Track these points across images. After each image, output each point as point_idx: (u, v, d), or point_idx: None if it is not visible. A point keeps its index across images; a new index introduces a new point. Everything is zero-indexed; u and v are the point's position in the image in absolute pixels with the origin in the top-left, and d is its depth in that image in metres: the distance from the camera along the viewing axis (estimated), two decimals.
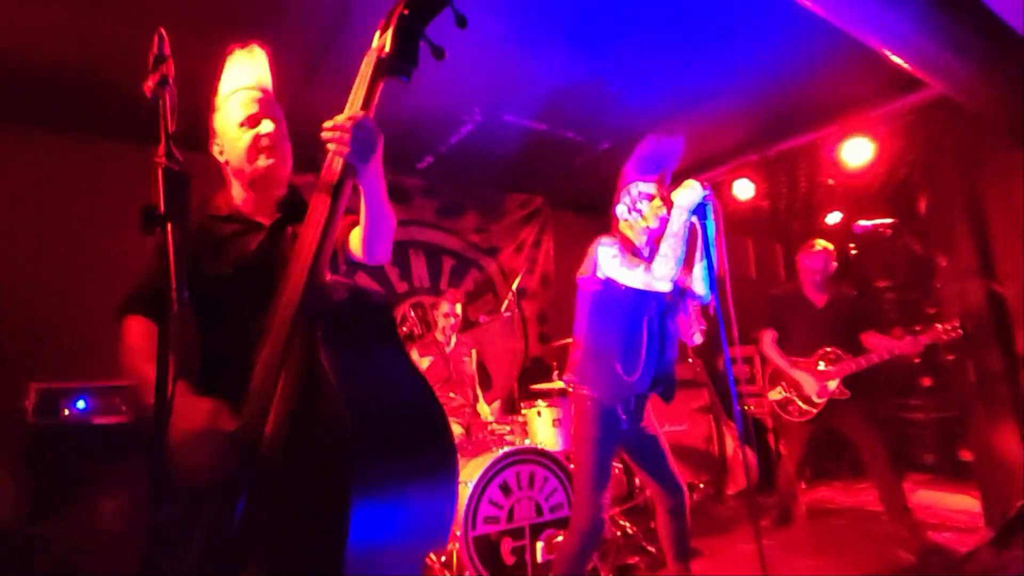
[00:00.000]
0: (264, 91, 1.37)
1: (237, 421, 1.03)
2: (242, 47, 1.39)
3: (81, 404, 2.75)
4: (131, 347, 1.19)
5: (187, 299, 0.70)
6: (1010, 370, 3.35)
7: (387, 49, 1.06)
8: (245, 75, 1.37)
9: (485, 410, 3.60)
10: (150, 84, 0.98)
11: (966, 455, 4.61)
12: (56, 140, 3.40)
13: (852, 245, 5.51)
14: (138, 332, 1.20)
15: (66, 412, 2.71)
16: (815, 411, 3.19)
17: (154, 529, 0.71)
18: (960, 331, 2.90)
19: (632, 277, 2.02)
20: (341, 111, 1.15)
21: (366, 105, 1.10)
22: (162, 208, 0.74)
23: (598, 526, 2.03)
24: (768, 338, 3.40)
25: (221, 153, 1.36)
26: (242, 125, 1.31)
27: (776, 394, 3.37)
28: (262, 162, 1.31)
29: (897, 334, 3.12)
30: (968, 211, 3.55)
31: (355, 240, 1.33)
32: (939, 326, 2.96)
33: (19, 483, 2.57)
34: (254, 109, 1.33)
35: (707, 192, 1.94)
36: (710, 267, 1.97)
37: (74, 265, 3.29)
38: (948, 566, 2.46)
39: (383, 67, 1.07)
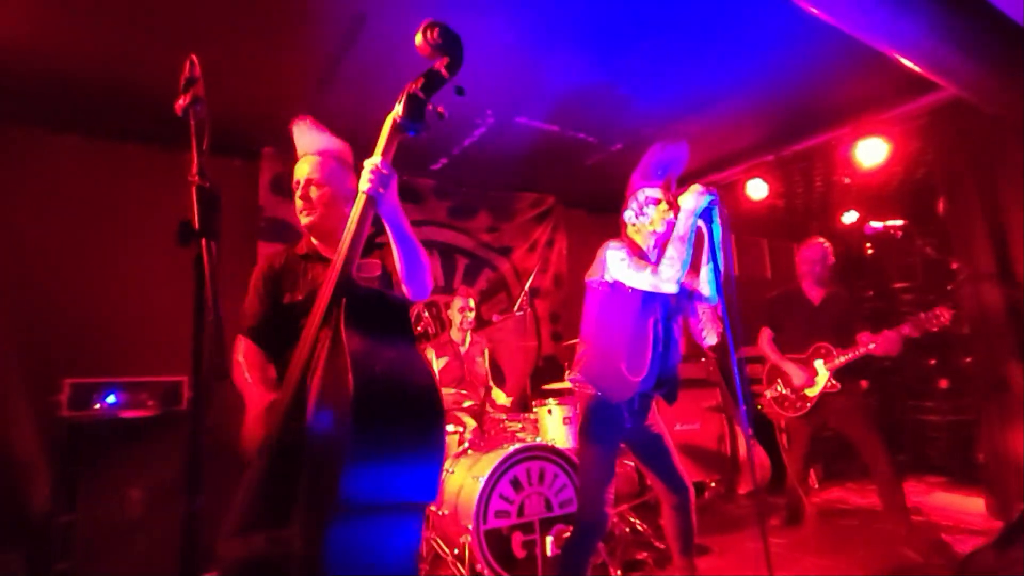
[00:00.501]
0: (308, 156, 1.69)
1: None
2: (301, 120, 1.70)
3: (111, 399, 2.88)
4: (236, 361, 1.60)
5: (218, 312, 0.78)
6: None
7: (401, 115, 1.40)
8: (301, 145, 1.70)
9: (501, 395, 3.67)
10: (181, 103, 1.06)
11: (980, 457, 4.59)
12: (90, 144, 3.55)
13: (869, 245, 5.48)
14: (243, 350, 1.62)
15: (97, 406, 2.84)
16: (808, 406, 3.28)
17: (192, 516, 0.78)
18: (945, 318, 2.92)
19: (639, 279, 2.07)
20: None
21: (385, 154, 1.42)
22: (196, 225, 0.82)
23: (602, 521, 2.09)
24: (765, 336, 3.51)
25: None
26: (293, 189, 1.69)
27: (772, 391, 3.48)
28: (304, 219, 1.67)
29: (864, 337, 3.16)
30: (985, 213, 3.53)
31: (401, 281, 1.58)
32: (923, 315, 2.99)
33: (54, 473, 2.70)
34: (300, 177, 1.68)
35: (713, 196, 1.97)
36: (716, 270, 2.01)
37: (106, 266, 3.43)
38: (952, 566, 2.47)
39: (398, 128, 1.41)
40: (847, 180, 4.69)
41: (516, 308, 3.81)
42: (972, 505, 3.78)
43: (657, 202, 2.21)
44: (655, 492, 2.31)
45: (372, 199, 1.39)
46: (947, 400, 4.92)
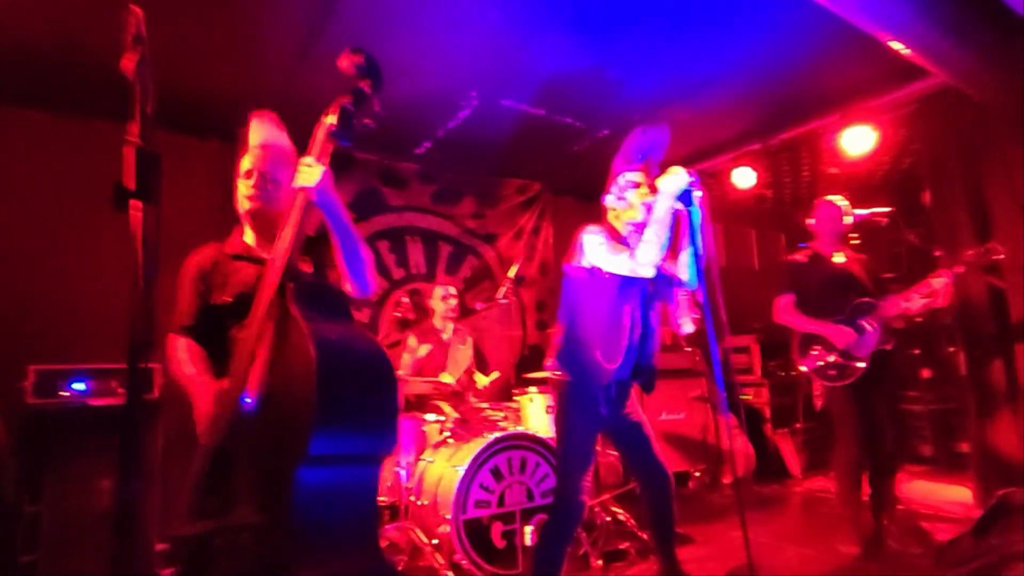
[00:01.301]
0: (265, 147, 1.66)
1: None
2: (257, 114, 1.69)
3: (80, 386, 2.78)
4: (175, 358, 1.58)
5: (148, 281, 0.71)
6: (1008, 362, 3.34)
7: (335, 125, 1.48)
8: (252, 136, 1.67)
9: (482, 378, 3.60)
10: (128, 64, 0.98)
11: (963, 447, 4.63)
12: (56, 121, 3.40)
13: (855, 235, 5.47)
14: (183, 347, 1.58)
15: (64, 393, 2.74)
16: (862, 368, 2.77)
17: (128, 502, 0.71)
18: (997, 252, 2.67)
19: (617, 263, 2.03)
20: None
21: (321, 155, 1.48)
22: (131, 186, 0.74)
23: (578, 510, 2.06)
24: (784, 303, 3.01)
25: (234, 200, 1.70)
26: (242, 176, 1.66)
27: (811, 362, 2.92)
28: (246, 205, 1.65)
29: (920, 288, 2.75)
30: (970, 202, 3.52)
31: (344, 278, 1.62)
32: (975, 251, 2.73)
33: (19, 463, 2.61)
34: (249, 164, 1.65)
35: (692, 179, 1.92)
36: (696, 254, 1.96)
37: (73, 249, 3.31)
38: (931, 554, 2.47)
39: (331, 136, 1.49)
40: (834, 170, 4.68)
41: (500, 296, 3.75)
42: (954, 494, 3.80)
43: (636, 185, 2.16)
44: (635, 481, 2.28)
45: (309, 195, 1.45)
46: (930, 390, 4.95)
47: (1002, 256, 2.71)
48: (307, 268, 1.61)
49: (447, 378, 3.38)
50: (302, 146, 1.73)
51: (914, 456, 4.87)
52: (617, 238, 2.16)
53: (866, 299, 2.87)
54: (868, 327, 2.81)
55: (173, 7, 2.61)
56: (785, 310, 3.01)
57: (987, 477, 3.30)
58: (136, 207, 0.73)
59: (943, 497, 3.77)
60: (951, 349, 4.81)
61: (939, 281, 2.70)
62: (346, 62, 1.48)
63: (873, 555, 2.72)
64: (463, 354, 3.70)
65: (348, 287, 1.59)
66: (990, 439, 3.32)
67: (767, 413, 4.92)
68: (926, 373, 5.06)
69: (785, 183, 5.22)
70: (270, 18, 2.80)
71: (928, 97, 3.62)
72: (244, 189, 1.64)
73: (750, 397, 5.03)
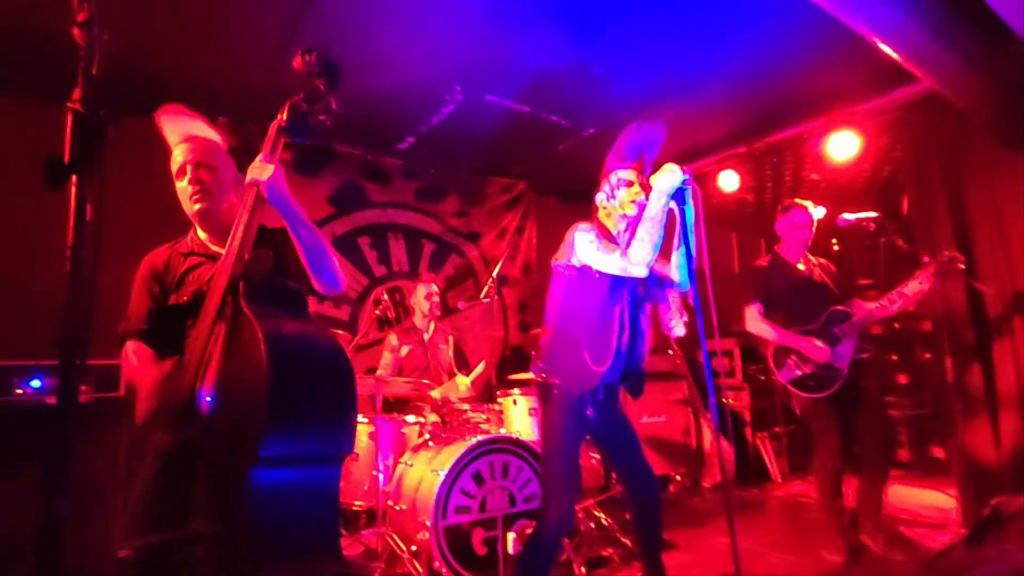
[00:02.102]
0: (190, 139, 1.60)
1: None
2: (171, 108, 1.62)
3: (36, 383, 2.64)
4: (126, 364, 1.55)
5: (78, 265, 0.62)
6: (986, 367, 3.36)
7: (284, 121, 1.48)
8: (174, 131, 1.62)
9: (463, 380, 3.50)
10: (78, 24, 0.88)
11: (938, 452, 4.67)
12: (21, 106, 3.23)
13: (834, 241, 5.52)
14: (131, 351, 1.54)
15: (19, 391, 2.60)
16: (841, 379, 2.75)
17: (53, 522, 0.62)
18: (959, 262, 2.70)
19: (608, 262, 1.97)
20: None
21: (272, 152, 1.47)
22: (67, 158, 0.65)
23: (566, 517, 1.98)
24: (753, 313, 2.97)
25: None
26: (176, 176, 1.59)
27: (789, 373, 2.87)
28: (194, 207, 1.57)
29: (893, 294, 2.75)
30: (951, 209, 3.54)
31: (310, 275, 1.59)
32: (941, 258, 2.73)
33: None
34: (182, 161, 1.58)
35: (686, 176, 1.87)
36: (688, 254, 1.91)
37: (32, 241, 3.14)
38: (913, 561, 2.45)
39: (280, 131, 1.49)
40: (815, 176, 4.70)
41: (483, 296, 3.67)
42: (930, 499, 3.82)
43: (629, 184, 2.11)
44: (621, 487, 2.21)
45: (260, 191, 1.43)
46: (907, 395, 5.00)
47: (962, 266, 2.75)
48: (267, 263, 1.54)
49: (435, 393, 3.31)
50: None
51: (891, 461, 4.91)
52: (608, 236, 2.10)
53: (840, 307, 2.86)
54: (843, 336, 2.80)
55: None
56: (755, 320, 2.97)
57: (969, 483, 3.31)
58: (73, 182, 0.63)
59: (920, 502, 3.78)
60: (927, 355, 4.87)
61: (913, 287, 2.70)
62: (298, 61, 1.49)
63: (857, 563, 2.70)
64: (444, 354, 3.61)
65: (315, 284, 1.56)
66: (969, 444, 3.34)
67: (747, 416, 4.92)
68: (903, 379, 5.11)
69: (767, 188, 5.24)
70: (249, 8, 2.70)
71: (911, 104, 3.65)
72: (185, 190, 1.58)
73: (731, 400, 5.03)
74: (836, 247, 5.55)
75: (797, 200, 3.08)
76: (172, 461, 1.27)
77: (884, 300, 2.76)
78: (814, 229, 3.04)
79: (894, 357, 5.23)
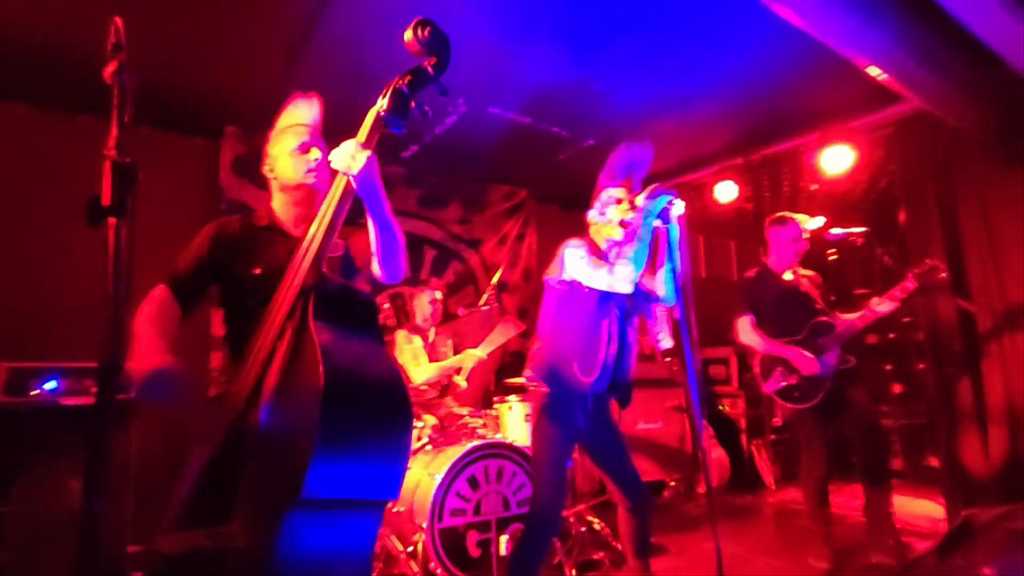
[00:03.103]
0: (315, 127, 1.67)
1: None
2: (303, 95, 1.68)
3: (51, 384, 2.73)
4: (142, 309, 1.45)
5: (119, 298, 0.70)
6: (974, 380, 3.42)
7: (385, 109, 1.37)
8: (300, 114, 1.67)
9: (461, 381, 3.48)
10: (109, 70, 0.97)
11: (933, 461, 4.73)
12: (34, 115, 3.34)
13: (832, 251, 5.59)
14: (156, 299, 1.49)
15: (35, 392, 2.69)
16: (822, 391, 2.82)
17: (93, 520, 0.71)
18: (940, 271, 2.75)
19: (595, 278, 2.06)
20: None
21: (367, 143, 1.40)
22: (106, 201, 0.74)
23: (554, 522, 2.08)
24: (745, 324, 3.04)
25: (271, 171, 1.66)
26: (296, 151, 1.61)
27: (774, 383, 2.96)
28: (309, 179, 1.60)
29: (874, 301, 2.84)
30: (943, 224, 3.61)
31: (376, 263, 1.58)
32: (920, 267, 2.79)
33: None
34: (306, 139, 1.63)
35: (671, 196, 1.96)
36: (673, 271, 1.99)
37: (49, 245, 3.25)
38: (894, 571, 2.52)
39: (381, 122, 1.39)
40: (814, 187, 4.77)
41: (483, 303, 3.76)
42: (922, 508, 3.89)
43: (618, 201, 2.21)
44: (610, 493, 2.30)
45: (352, 180, 1.37)
46: (901, 405, 5.06)
47: (944, 275, 2.80)
48: (338, 251, 1.58)
49: (461, 383, 3.37)
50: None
51: (887, 470, 4.96)
52: (598, 253, 2.19)
53: (823, 319, 2.93)
54: (827, 347, 2.86)
55: (163, 5, 2.58)
56: (746, 331, 3.04)
57: (956, 493, 3.38)
58: (111, 224, 0.73)
59: (912, 511, 3.85)
60: (921, 365, 4.93)
61: (880, 304, 2.80)
62: (409, 35, 1.34)
63: (840, 570, 2.77)
64: (444, 358, 3.69)
65: (379, 272, 1.56)
66: (958, 455, 3.40)
67: (743, 424, 4.99)
68: (897, 388, 5.17)
69: (765, 198, 5.31)
70: (259, 21, 2.79)
71: (905, 120, 3.71)
72: (301, 164, 1.60)
73: (727, 408, 5.10)
74: (833, 257, 5.63)
75: (789, 214, 3.15)
76: (219, 462, 1.26)
77: (863, 312, 2.85)
78: (808, 241, 3.10)
79: (888, 367, 5.29)
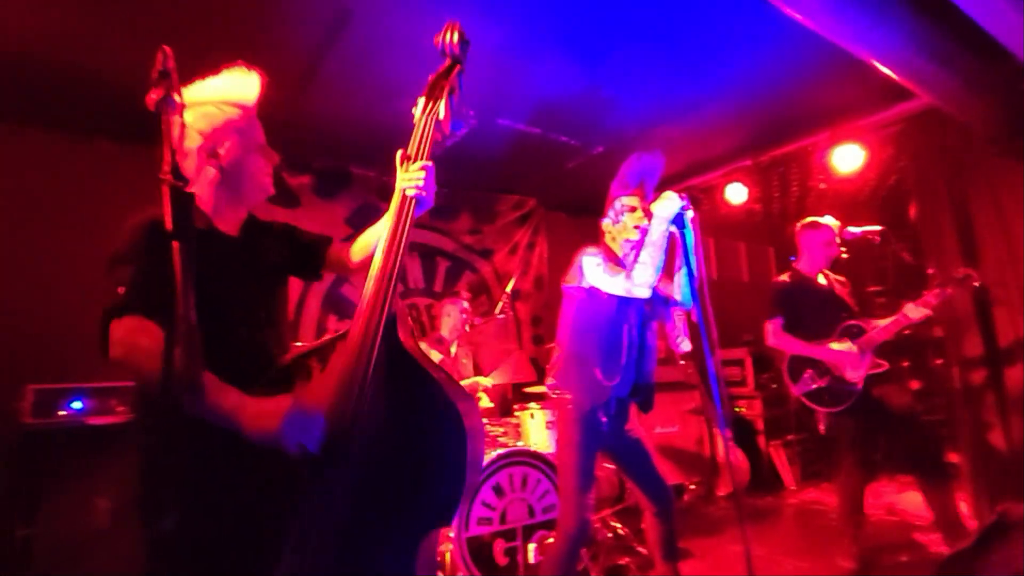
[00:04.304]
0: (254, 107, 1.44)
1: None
2: (246, 66, 1.43)
3: (77, 404, 2.76)
4: (140, 346, 1.18)
5: (189, 320, 0.72)
6: (994, 374, 3.41)
7: (442, 116, 1.34)
8: (249, 91, 1.42)
9: (485, 381, 3.54)
10: (153, 98, 1.00)
11: (953, 458, 4.69)
12: (56, 139, 3.41)
13: (844, 249, 5.58)
14: (143, 330, 1.18)
15: (62, 413, 2.72)
16: (854, 394, 2.79)
17: (159, 538, 0.73)
18: (975, 279, 2.73)
19: (613, 284, 2.09)
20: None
21: (429, 156, 1.34)
22: (169, 226, 0.77)
23: (584, 528, 2.08)
24: (774, 328, 3.02)
25: (212, 152, 1.36)
26: (261, 149, 1.42)
27: (804, 386, 2.93)
28: (271, 190, 1.45)
29: (908, 307, 2.79)
30: (956, 219, 3.61)
31: (357, 255, 1.53)
32: (956, 275, 2.79)
33: (14, 482, 2.58)
34: (261, 138, 1.43)
35: (684, 203, 1.99)
36: (690, 275, 2.01)
37: (73, 266, 3.29)
38: (926, 565, 2.50)
39: (439, 129, 1.35)
40: (823, 185, 4.77)
41: (497, 311, 3.78)
42: None
43: (632, 210, 2.25)
44: (636, 497, 2.30)
45: (420, 204, 1.33)
46: (920, 401, 5.02)
47: (977, 284, 2.78)
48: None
49: (482, 380, 3.39)
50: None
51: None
52: (614, 260, 2.23)
53: (855, 322, 2.91)
54: (860, 351, 2.83)
55: (175, 25, 2.64)
56: (776, 334, 3.02)
57: (979, 489, 3.36)
58: (175, 248, 0.75)
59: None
60: (939, 361, 4.90)
61: (914, 310, 2.77)
62: (451, 37, 1.36)
63: (868, 570, 2.76)
64: (466, 369, 3.71)
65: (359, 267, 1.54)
66: (981, 450, 3.38)
67: (760, 425, 4.97)
68: (915, 385, 5.14)
69: (775, 198, 5.32)
70: (273, 40, 2.84)
71: (915, 117, 3.72)
72: (266, 168, 1.45)
73: (743, 409, 5.08)
74: (845, 255, 5.62)
75: (820, 219, 3.13)
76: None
77: (896, 316, 2.82)
78: (838, 244, 3.09)
79: (905, 363, 5.26)
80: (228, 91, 1.41)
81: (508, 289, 3.70)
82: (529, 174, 4.71)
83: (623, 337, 2.14)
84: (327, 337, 1.31)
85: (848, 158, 3.94)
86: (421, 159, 1.34)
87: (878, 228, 3.01)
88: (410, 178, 1.31)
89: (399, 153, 1.36)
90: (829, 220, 3.11)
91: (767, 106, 3.77)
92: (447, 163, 4.67)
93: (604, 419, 2.15)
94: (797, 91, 3.58)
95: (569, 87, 3.41)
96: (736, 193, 4.61)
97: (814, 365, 2.91)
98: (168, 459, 0.78)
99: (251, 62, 3.02)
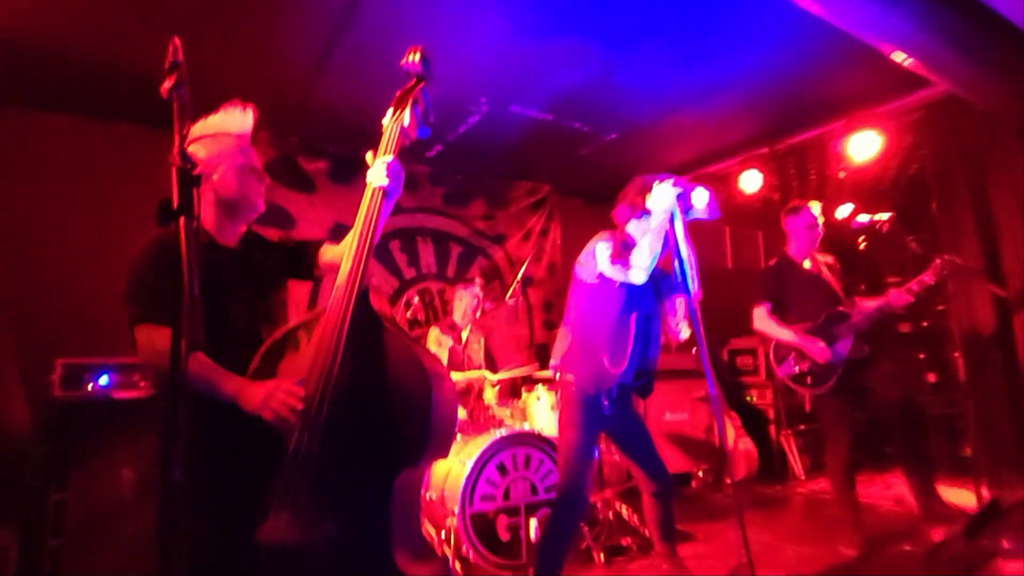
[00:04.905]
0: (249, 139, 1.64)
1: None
2: (241, 105, 1.63)
3: (104, 379, 2.89)
4: (157, 350, 1.36)
5: (194, 291, 0.79)
6: (1010, 368, 3.37)
7: (407, 123, 1.51)
8: (242, 122, 1.62)
9: (491, 378, 3.57)
10: (166, 86, 1.07)
11: (966, 451, 4.64)
12: (80, 123, 3.55)
13: (862, 239, 5.50)
14: (159, 334, 1.37)
15: (89, 387, 2.86)
16: (835, 377, 2.87)
17: (172, 487, 0.80)
18: (949, 266, 2.77)
19: (614, 271, 2.13)
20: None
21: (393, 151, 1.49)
22: (175, 204, 0.84)
23: (580, 507, 2.15)
24: (761, 313, 3.10)
25: (206, 176, 1.55)
26: (251, 171, 1.60)
27: (787, 369, 3.03)
28: (262, 206, 1.64)
29: (891, 293, 2.87)
30: (975, 209, 3.55)
31: (328, 256, 1.67)
32: (938, 261, 2.82)
33: (47, 450, 2.73)
34: (255, 161, 1.62)
35: (680, 191, 2.00)
36: (681, 264, 2.02)
37: (98, 245, 3.43)
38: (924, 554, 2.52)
39: (405, 135, 1.51)
40: (842, 174, 4.70)
41: (508, 297, 3.82)
42: (959, 497, 3.82)
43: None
44: (635, 480, 2.36)
45: (388, 194, 1.47)
46: (935, 394, 4.96)
47: (962, 264, 2.86)
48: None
49: (490, 376, 3.45)
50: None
51: (922, 455, 4.86)
52: (626, 245, 2.24)
53: (839, 308, 2.97)
54: (840, 336, 2.91)
55: (190, 14, 2.71)
56: (761, 319, 3.10)
57: (986, 479, 3.34)
58: (181, 222, 0.82)
59: (948, 500, 3.78)
60: (956, 354, 4.83)
61: (897, 296, 2.84)
62: (409, 57, 1.56)
63: (871, 558, 2.77)
64: (477, 355, 3.78)
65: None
66: (991, 443, 3.36)
67: (771, 414, 4.96)
68: (931, 377, 5.07)
69: (792, 186, 5.25)
70: (289, 26, 2.90)
71: (933, 104, 3.65)
72: (256, 186, 1.63)
73: (754, 399, 5.08)
74: (864, 244, 5.53)
75: (802, 201, 3.18)
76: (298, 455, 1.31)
77: (879, 303, 2.88)
78: (821, 228, 3.12)
79: (922, 356, 5.19)
80: (224, 124, 1.61)
81: (520, 275, 3.74)
82: (542, 161, 4.73)
83: (632, 326, 2.19)
84: (313, 312, 1.48)
85: (866, 146, 3.88)
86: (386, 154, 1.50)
87: (887, 216, 2.99)
88: (374, 172, 1.47)
89: (369, 154, 1.53)
90: (811, 203, 3.16)
91: (782, 93, 3.74)
92: (460, 150, 4.74)
93: (607, 403, 2.20)
94: (813, 78, 3.54)
95: (582, 73, 3.41)
96: (751, 181, 4.57)
97: (797, 349, 2.99)
98: (177, 431, 0.86)
99: (266, 47, 3.08)
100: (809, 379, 2.96)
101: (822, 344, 2.89)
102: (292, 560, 1.29)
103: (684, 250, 1.97)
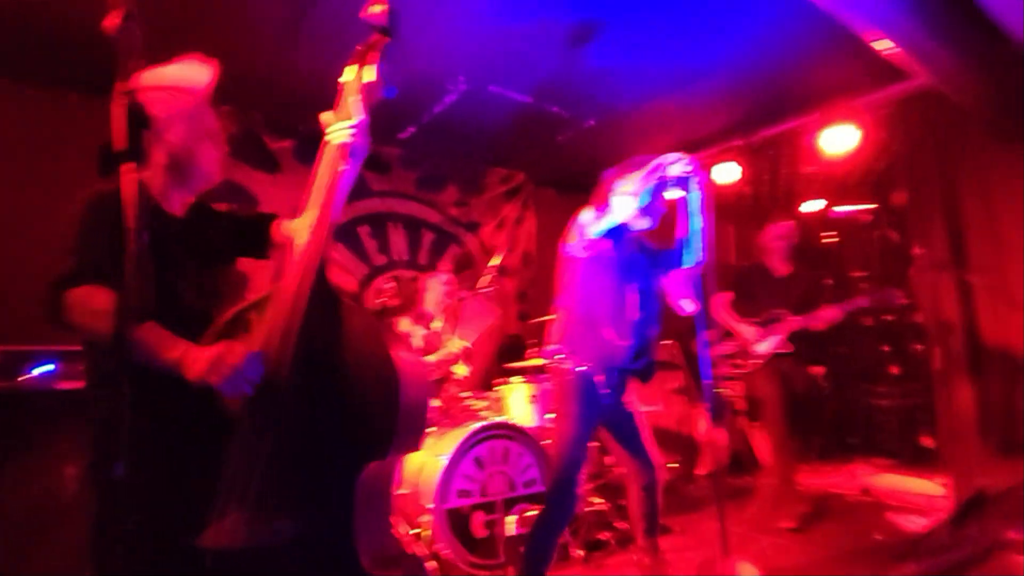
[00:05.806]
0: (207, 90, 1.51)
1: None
2: (202, 58, 1.49)
3: (44, 368, 2.66)
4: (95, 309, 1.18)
5: (142, 243, 0.65)
6: (974, 359, 3.45)
7: (372, 79, 1.39)
8: (201, 76, 1.48)
9: (462, 368, 3.42)
10: (115, 20, 0.91)
11: (927, 441, 4.77)
12: (22, 91, 3.24)
13: (828, 233, 5.58)
14: (97, 294, 1.20)
15: (27, 376, 2.62)
16: (751, 364, 3.42)
17: (112, 486, 0.67)
18: (899, 301, 3.22)
19: (598, 225, 2.05)
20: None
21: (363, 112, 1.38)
22: (122, 146, 0.69)
23: (573, 502, 2.06)
24: (722, 300, 3.51)
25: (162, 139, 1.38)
26: (212, 137, 1.49)
27: (721, 349, 3.55)
28: (221, 175, 1.53)
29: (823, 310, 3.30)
30: (944, 202, 3.61)
31: (285, 230, 1.53)
32: (879, 293, 3.30)
33: None
34: (214, 123, 1.52)
35: (690, 166, 1.94)
36: (691, 237, 1.96)
37: (40, 224, 3.16)
38: (897, 543, 2.55)
39: (370, 94, 1.39)
40: (812, 169, 4.75)
41: (483, 284, 3.71)
42: (919, 486, 3.91)
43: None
44: (623, 472, 2.29)
45: (355, 154, 1.38)
46: (898, 385, 5.08)
47: (903, 302, 3.35)
48: None
49: (461, 370, 3.33)
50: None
51: (880, 449, 5.00)
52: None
53: (777, 311, 3.41)
54: (769, 334, 3.37)
55: None
56: (719, 305, 3.51)
57: (957, 469, 3.41)
58: (128, 169, 0.68)
59: (909, 489, 3.88)
60: (919, 347, 4.96)
61: (827, 312, 3.27)
62: (372, 8, 1.43)
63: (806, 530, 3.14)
64: (449, 344, 3.64)
65: None
66: (958, 431, 3.43)
67: (740, 406, 4.99)
68: (894, 370, 5.19)
69: (764, 180, 5.29)
70: None
71: (907, 99, 3.70)
72: (217, 153, 1.53)
73: (724, 390, 5.10)
74: (831, 239, 5.62)
75: (781, 216, 3.63)
76: (250, 442, 1.19)
77: (807, 317, 3.32)
78: (794, 240, 3.53)
79: (886, 348, 5.31)
80: (180, 78, 1.45)
81: (493, 264, 3.63)
82: (519, 146, 4.61)
83: (630, 295, 2.13)
84: (263, 292, 1.35)
85: (840, 139, 3.90)
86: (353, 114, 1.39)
87: (869, 207, 3.04)
88: (335, 130, 1.37)
89: (328, 114, 1.42)
90: (788, 220, 3.61)
91: (760, 83, 3.73)
92: (434, 131, 4.58)
93: (608, 390, 2.12)
94: (791, 68, 3.53)
95: (562, 55, 3.31)
96: (726, 173, 4.56)
97: (734, 336, 3.50)
98: (119, 415, 0.72)
99: (229, 15, 2.87)
100: (737, 360, 3.52)
101: (752, 330, 3.39)
102: (243, 565, 1.13)
103: (697, 222, 1.89)
